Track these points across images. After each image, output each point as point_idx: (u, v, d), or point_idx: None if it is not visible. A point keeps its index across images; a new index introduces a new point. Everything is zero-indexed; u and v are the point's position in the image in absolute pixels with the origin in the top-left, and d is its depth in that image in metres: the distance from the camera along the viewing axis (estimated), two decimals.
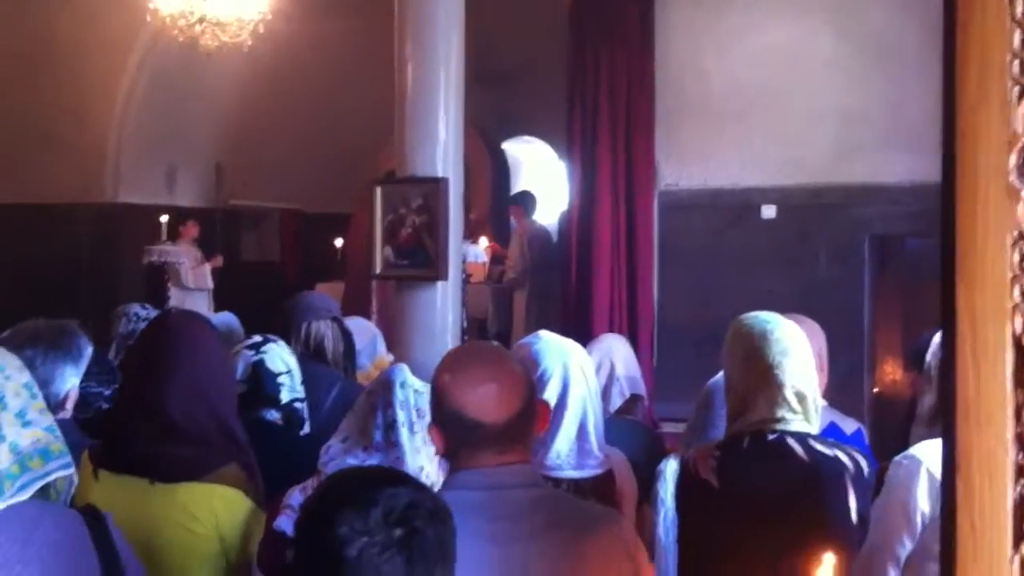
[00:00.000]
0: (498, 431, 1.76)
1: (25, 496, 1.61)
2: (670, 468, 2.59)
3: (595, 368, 3.27)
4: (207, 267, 9.59)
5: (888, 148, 6.70)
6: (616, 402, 3.39)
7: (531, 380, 1.86)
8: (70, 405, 2.69)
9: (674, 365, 6.69)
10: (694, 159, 7.23)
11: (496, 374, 1.80)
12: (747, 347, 2.42)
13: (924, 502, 2.40)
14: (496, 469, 1.76)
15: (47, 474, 1.65)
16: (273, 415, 2.86)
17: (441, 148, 4.86)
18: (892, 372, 7.18)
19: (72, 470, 1.70)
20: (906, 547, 2.45)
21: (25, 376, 1.71)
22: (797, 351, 2.41)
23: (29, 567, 1.58)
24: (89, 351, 2.82)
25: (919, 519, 2.41)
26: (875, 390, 7.19)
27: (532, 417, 1.82)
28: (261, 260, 11.40)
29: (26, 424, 1.65)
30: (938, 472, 2.35)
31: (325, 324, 3.56)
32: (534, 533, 1.73)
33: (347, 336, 3.62)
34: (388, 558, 1.26)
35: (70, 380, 2.69)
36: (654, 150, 7.26)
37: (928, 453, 2.43)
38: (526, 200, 9.38)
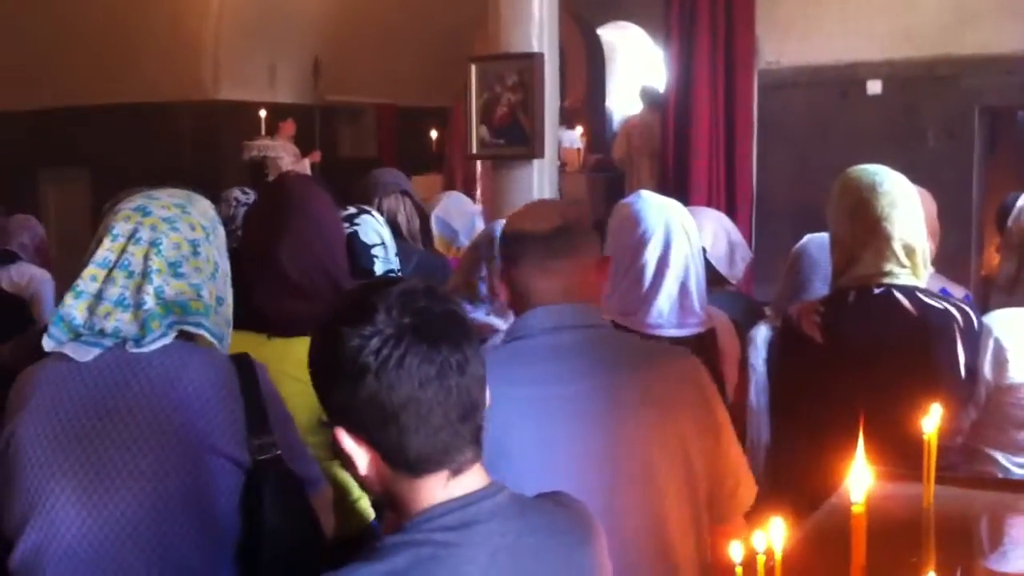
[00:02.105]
0: (543, 238, 1.77)
1: (171, 337, 1.66)
2: (760, 334, 2.56)
3: (713, 237, 3.22)
4: (306, 162, 9.72)
5: (1005, 16, 6.37)
6: (740, 267, 3.28)
7: (588, 222, 1.87)
8: None
9: (774, 246, 6.57)
10: (795, 35, 6.98)
11: (545, 202, 1.82)
12: (854, 200, 2.37)
13: (988, 370, 2.34)
14: (558, 307, 1.75)
15: (185, 323, 1.68)
16: None
17: (536, 25, 4.80)
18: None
19: (205, 332, 1.72)
20: (970, 414, 2.39)
21: (195, 234, 1.73)
22: (906, 203, 2.35)
23: (176, 405, 1.62)
24: None
25: (983, 388, 2.36)
26: (983, 273, 6.97)
27: (581, 235, 1.81)
28: (358, 156, 11.47)
29: (177, 275, 1.68)
30: (1007, 341, 2.30)
31: (396, 198, 3.60)
32: (595, 369, 1.73)
33: (419, 209, 3.66)
34: (407, 347, 1.18)
35: None
36: (754, 27, 7.04)
37: (999, 321, 2.37)
38: (644, 92, 9.24)
